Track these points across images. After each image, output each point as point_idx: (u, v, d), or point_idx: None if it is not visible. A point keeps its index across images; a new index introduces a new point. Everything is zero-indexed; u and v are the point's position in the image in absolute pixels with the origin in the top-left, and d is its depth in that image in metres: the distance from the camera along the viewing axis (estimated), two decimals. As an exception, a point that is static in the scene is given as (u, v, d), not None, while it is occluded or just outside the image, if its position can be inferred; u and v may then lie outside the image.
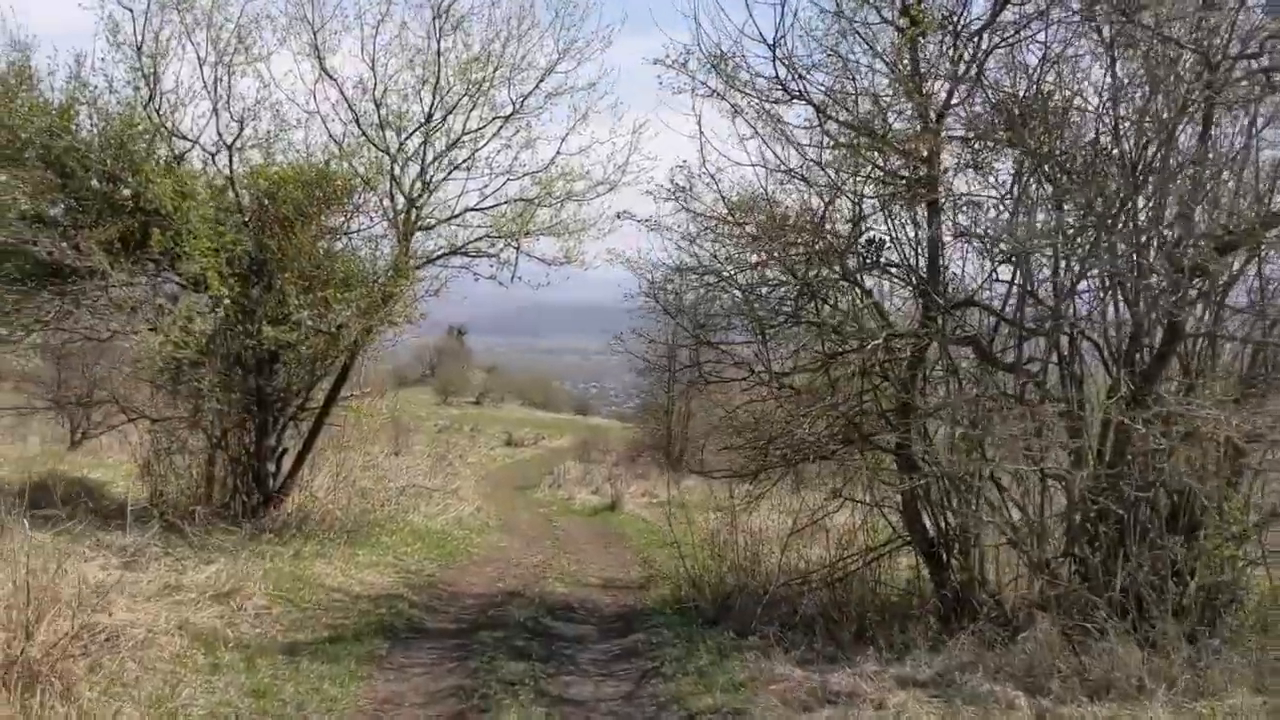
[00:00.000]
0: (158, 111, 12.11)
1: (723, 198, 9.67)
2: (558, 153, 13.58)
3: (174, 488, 13.35)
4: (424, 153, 13.33)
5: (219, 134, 12.33)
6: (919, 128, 9.20)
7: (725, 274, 10.18)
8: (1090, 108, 8.80)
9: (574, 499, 28.53)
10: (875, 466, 10.14)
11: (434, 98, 13.04)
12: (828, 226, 9.61)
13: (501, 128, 13.43)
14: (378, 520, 14.62)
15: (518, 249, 13.74)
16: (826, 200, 9.43)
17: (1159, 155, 8.34)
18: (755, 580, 10.82)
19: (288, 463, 13.65)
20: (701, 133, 9.44)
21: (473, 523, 18.24)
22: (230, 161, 12.37)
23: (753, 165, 9.65)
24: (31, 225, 11.39)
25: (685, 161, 9.54)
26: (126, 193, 11.75)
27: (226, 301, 11.25)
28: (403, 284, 12.62)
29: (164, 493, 13.06)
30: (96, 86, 11.99)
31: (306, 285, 11.75)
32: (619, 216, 10.04)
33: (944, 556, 9.43)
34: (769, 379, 10.12)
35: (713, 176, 9.60)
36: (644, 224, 9.87)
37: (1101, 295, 8.81)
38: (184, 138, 12.41)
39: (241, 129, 12.34)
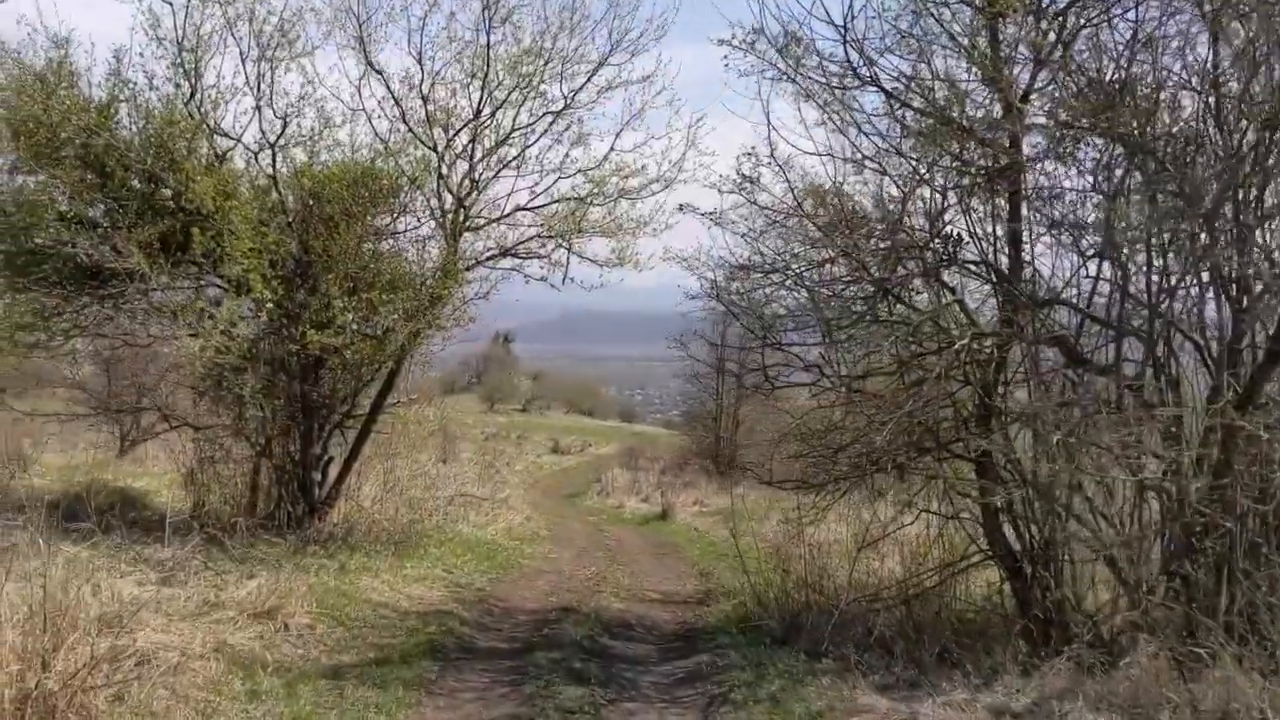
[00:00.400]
0: (199, 109, 11.72)
1: (792, 189, 9.10)
2: (611, 149, 13.06)
3: (217, 498, 12.97)
4: (472, 150, 12.85)
5: (262, 131, 11.96)
6: (999, 114, 8.61)
7: (791, 271, 9.63)
8: (1187, 89, 8.14)
9: (624, 507, 28.14)
10: (953, 476, 9.55)
11: (483, 93, 12.57)
12: (906, 220, 9.03)
13: (553, 123, 12.91)
14: (426, 531, 14.16)
15: (569, 249, 13.21)
16: (905, 191, 8.82)
17: (1267, 139, 7.66)
18: (823, 596, 10.27)
19: (334, 472, 13.22)
20: (769, 120, 8.89)
21: (523, 532, 17.77)
22: (274, 160, 11.97)
23: (822, 155, 9.07)
24: (70, 227, 11.03)
25: (753, 149, 8.95)
26: (167, 193, 11.36)
27: (269, 305, 10.78)
28: (451, 286, 12.12)
29: (206, 503, 12.67)
30: (136, 83, 11.63)
31: (351, 287, 11.29)
32: (680, 209, 9.47)
33: (1029, 572, 8.79)
34: (840, 383, 9.58)
35: (781, 166, 9.03)
36: (708, 217, 9.32)
37: (1199, 291, 8.14)
38: (226, 135, 12.02)
39: (285, 126, 11.94)
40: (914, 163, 9.09)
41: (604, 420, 78.32)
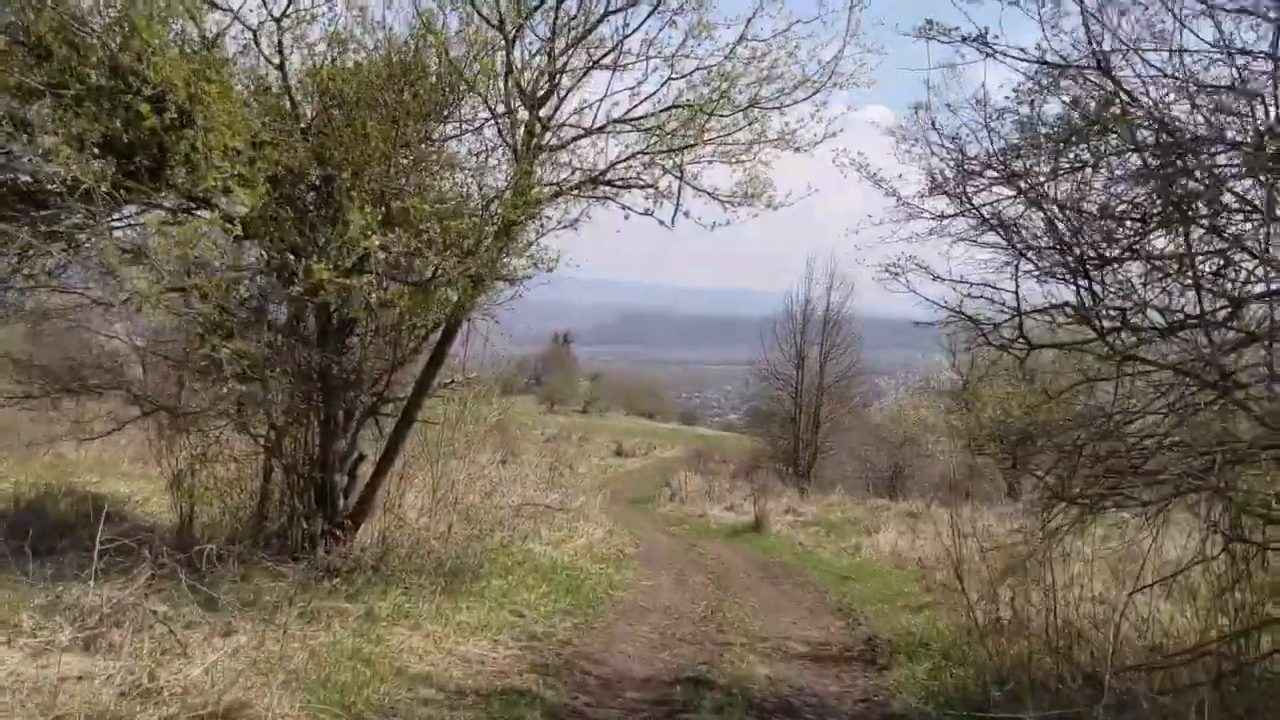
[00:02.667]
0: (177, -32, 8.35)
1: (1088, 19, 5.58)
2: (741, 37, 9.49)
3: (211, 510, 9.70)
4: (553, 40, 9.36)
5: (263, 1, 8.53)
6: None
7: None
8: None
9: (707, 516, 25.15)
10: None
11: (569, -44, 9.07)
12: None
13: (660, 2, 9.39)
14: (488, 551, 10.73)
15: (680, 177, 9.68)
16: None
17: None
18: (1071, 662, 6.91)
19: (366, 474, 9.82)
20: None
21: (606, 551, 14.32)
22: (280, 41, 8.56)
23: None
24: (-1, 132, 7.73)
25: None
26: (131, 81, 7.93)
27: (242, 213, 7.12)
28: (526, 211, 8.62)
29: (191, 516, 9.38)
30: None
31: (380, 196, 7.79)
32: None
33: None
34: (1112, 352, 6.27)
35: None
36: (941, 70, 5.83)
37: None
38: (215, 5, 8.62)
39: (295, -7, 8.50)
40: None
41: (665, 423, 77.17)
